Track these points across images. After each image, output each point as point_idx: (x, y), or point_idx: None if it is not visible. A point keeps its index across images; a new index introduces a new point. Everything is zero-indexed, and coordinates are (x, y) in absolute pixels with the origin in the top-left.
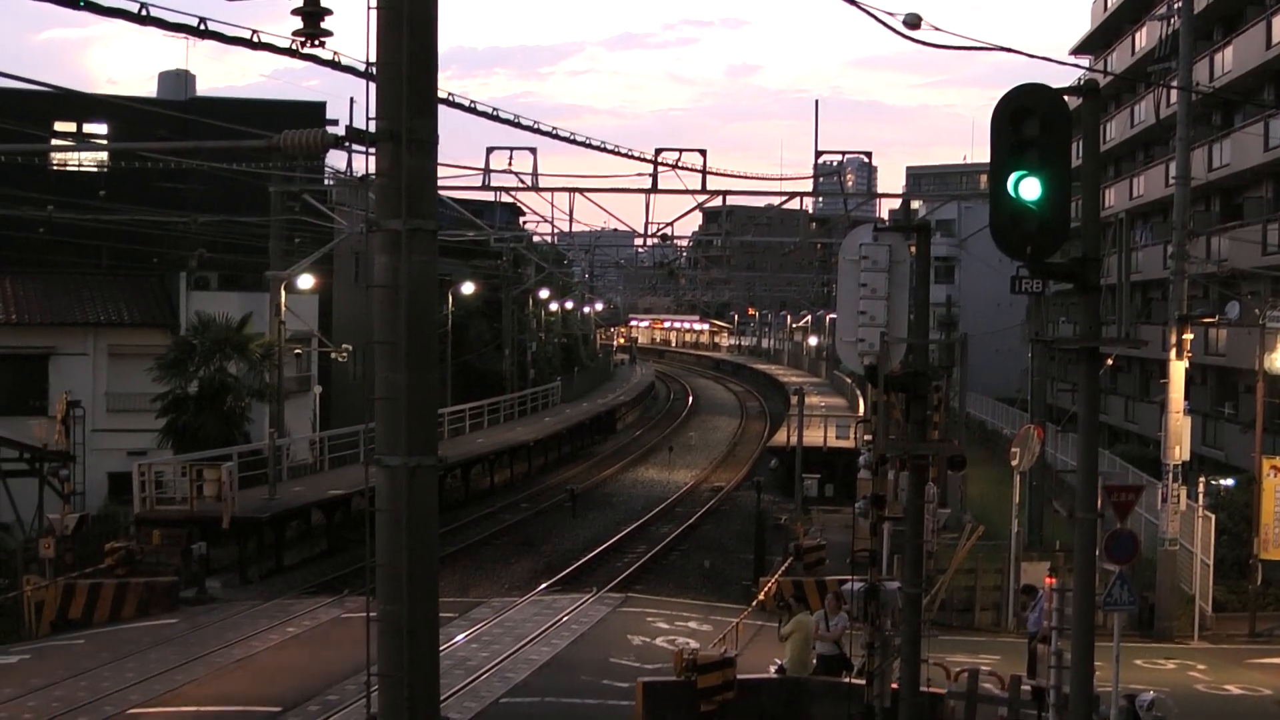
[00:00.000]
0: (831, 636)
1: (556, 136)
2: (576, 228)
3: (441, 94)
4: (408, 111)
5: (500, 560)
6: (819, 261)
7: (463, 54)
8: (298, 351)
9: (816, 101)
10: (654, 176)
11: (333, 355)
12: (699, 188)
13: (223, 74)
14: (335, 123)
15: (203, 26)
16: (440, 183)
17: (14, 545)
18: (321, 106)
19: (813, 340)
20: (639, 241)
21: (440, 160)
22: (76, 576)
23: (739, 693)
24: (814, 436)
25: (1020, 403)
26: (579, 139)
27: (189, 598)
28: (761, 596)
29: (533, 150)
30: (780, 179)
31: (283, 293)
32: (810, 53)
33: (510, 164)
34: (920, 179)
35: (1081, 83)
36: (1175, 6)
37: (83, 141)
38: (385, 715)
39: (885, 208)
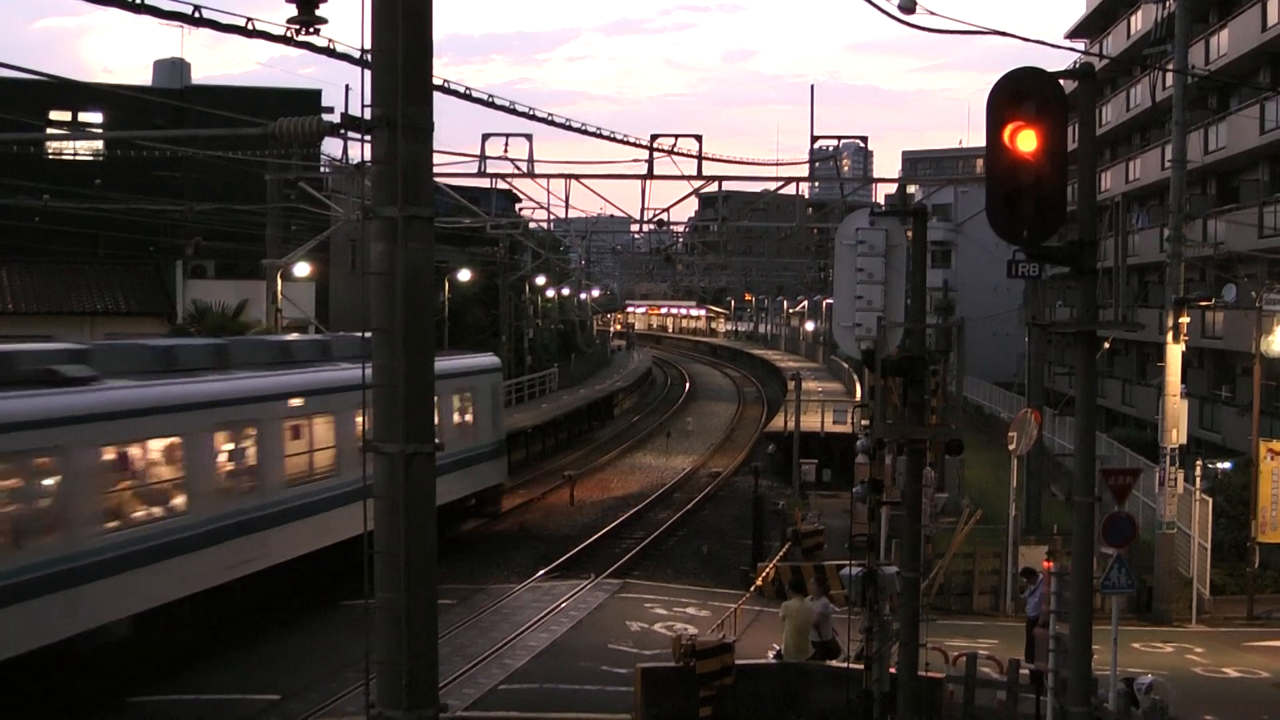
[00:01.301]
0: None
1: (552, 123)
2: (573, 214)
3: (437, 81)
4: (403, 98)
5: (498, 547)
6: (815, 246)
7: (459, 40)
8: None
9: (812, 86)
10: (650, 162)
11: None
12: (695, 173)
13: (218, 62)
14: (331, 110)
15: (197, 14)
16: (436, 169)
17: None
18: (317, 94)
19: (809, 325)
20: (635, 227)
21: (436, 147)
22: None
23: (737, 678)
24: (811, 422)
25: (1018, 387)
26: (575, 125)
27: None
28: (760, 582)
29: (529, 136)
30: (776, 164)
31: (279, 280)
32: (807, 37)
33: (506, 150)
34: (916, 163)
35: (1077, 66)
36: None
37: (78, 130)
38: (384, 703)
39: (881, 192)
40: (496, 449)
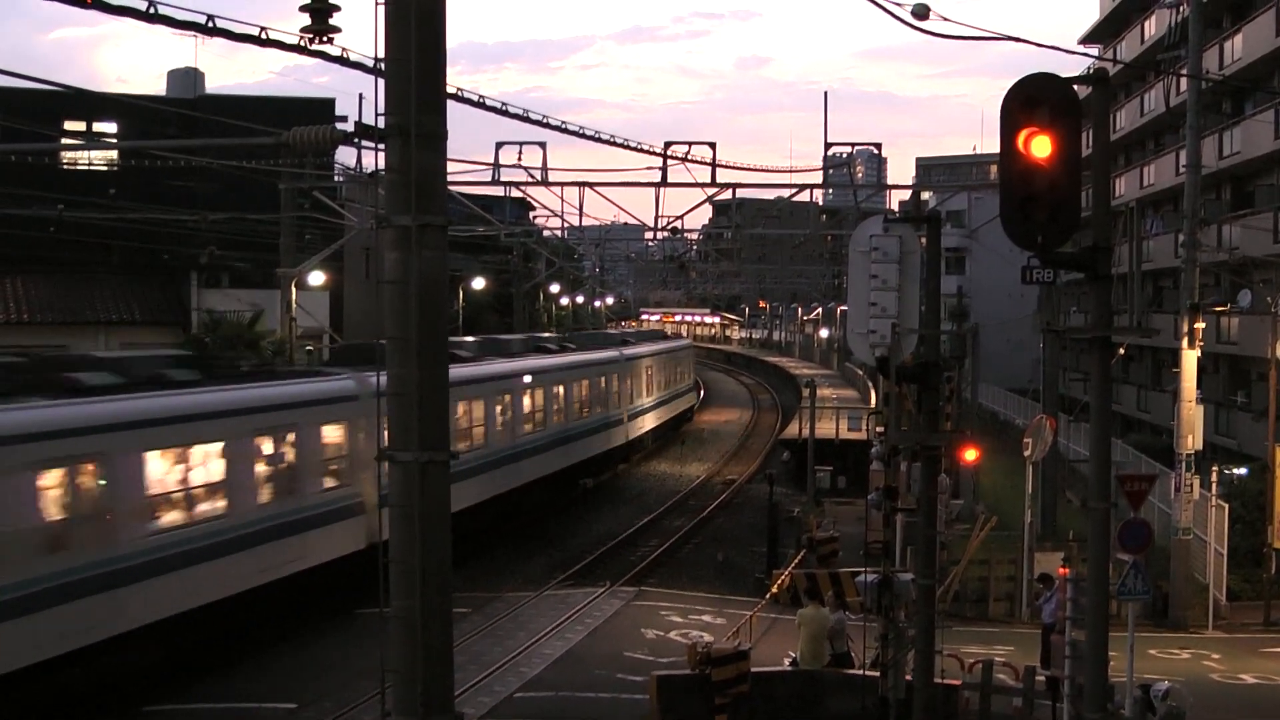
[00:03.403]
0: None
1: (566, 131)
2: (586, 222)
3: (451, 89)
4: (417, 107)
5: (514, 555)
6: (829, 253)
7: (472, 49)
8: (309, 348)
9: (826, 93)
10: (664, 170)
11: None
12: (709, 181)
13: (232, 71)
14: (345, 119)
15: (211, 24)
16: (450, 178)
17: None
18: (331, 103)
19: (824, 332)
20: (649, 235)
21: (450, 155)
22: None
23: (753, 685)
24: (826, 429)
25: (1032, 393)
26: (589, 133)
27: None
28: (775, 589)
29: (542, 145)
30: (790, 171)
31: (294, 289)
32: (820, 44)
33: (520, 159)
34: (930, 169)
35: (1091, 71)
36: None
37: (92, 140)
38: (399, 711)
39: (895, 199)
40: (694, 386)
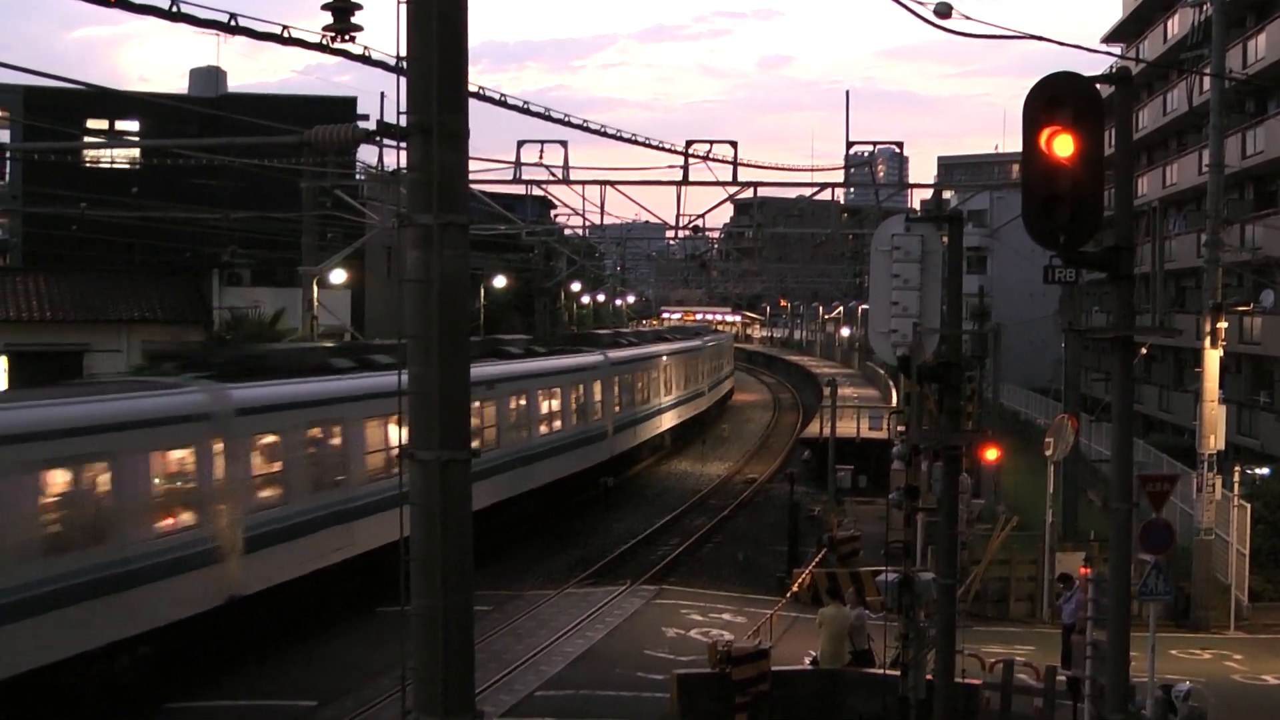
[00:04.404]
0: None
1: (587, 129)
2: (608, 220)
3: (472, 88)
4: (438, 106)
5: (535, 554)
6: (850, 252)
7: (494, 48)
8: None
9: (848, 92)
10: (685, 169)
11: None
12: (730, 180)
13: (254, 70)
14: (366, 118)
15: (233, 22)
16: (471, 177)
17: None
18: (352, 102)
19: (845, 331)
20: (670, 234)
21: (471, 154)
22: None
23: (774, 685)
24: (847, 428)
25: (1054, 393)
26: (610, 132)
27: None
28: (796, 588)
29: (564, 143)
30: (812, 170)
31: (315, 288)
32: (842, 43)
33: (541, 157)
34: (952, 169)
35: (1114, 71)
36: None
37: (115, 139)
38: (420, 709)
39: (917, 198)
40: (732, 373)
